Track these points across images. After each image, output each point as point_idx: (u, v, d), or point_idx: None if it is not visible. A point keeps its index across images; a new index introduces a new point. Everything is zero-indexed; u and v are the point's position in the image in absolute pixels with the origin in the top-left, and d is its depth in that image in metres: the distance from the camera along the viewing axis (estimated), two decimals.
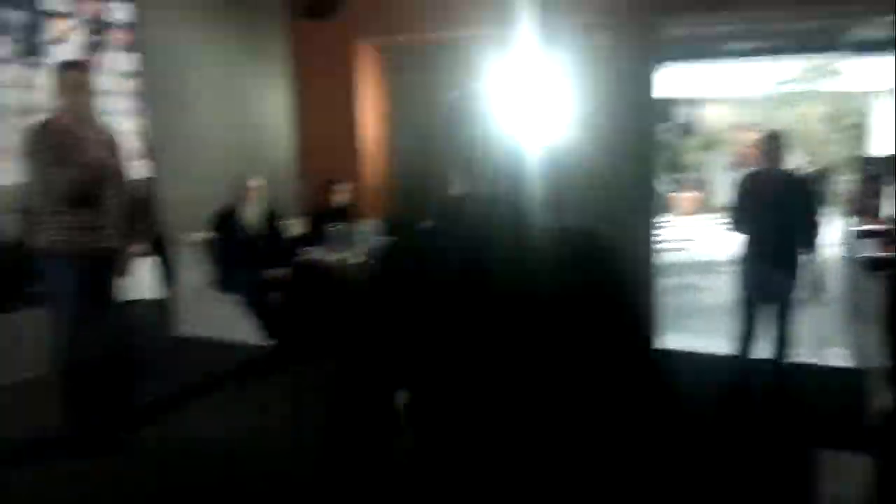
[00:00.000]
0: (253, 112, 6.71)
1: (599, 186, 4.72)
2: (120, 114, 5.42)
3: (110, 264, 3.78)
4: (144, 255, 3.90)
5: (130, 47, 5.51)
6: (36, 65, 4.86)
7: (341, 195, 6.18)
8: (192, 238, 5.75)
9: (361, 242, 5.73)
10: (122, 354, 3.89)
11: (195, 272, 5.70)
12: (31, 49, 4.85)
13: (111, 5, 5.37)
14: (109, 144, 3.71)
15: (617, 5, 5.42)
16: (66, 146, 3.56)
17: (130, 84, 5.51)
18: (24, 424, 3.96)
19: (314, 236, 5.89)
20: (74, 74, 3.66)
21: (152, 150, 5.63)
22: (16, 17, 4.75)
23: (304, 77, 6.95)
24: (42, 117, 3.79)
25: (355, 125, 6.73)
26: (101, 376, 3.78)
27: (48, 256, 3.63)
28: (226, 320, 5.56)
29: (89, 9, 5.23)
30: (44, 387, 3.81)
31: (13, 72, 4.73)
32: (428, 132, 6.39)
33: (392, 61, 6.86)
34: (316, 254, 5.68)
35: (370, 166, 6.85)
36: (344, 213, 6.09)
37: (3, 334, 4.55)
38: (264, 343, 5.40)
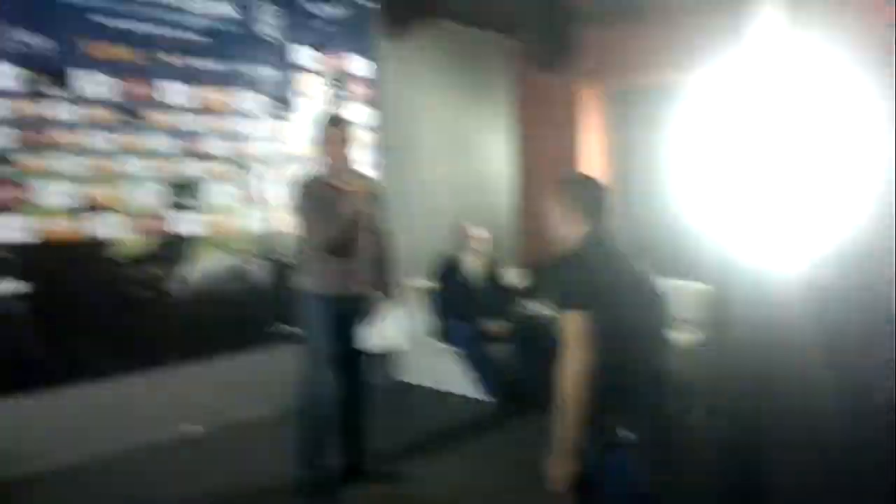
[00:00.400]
0: (478, 162, 6.76)
1: None
2: (360, 165, 5.62)
3: (360, 310, 3.89)
4: (386, 303, 3.98)
5: (370, 101, 5.72)
6: (285, 118, 5.15)
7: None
8: (416, 286, 5.82)
9: None
10: (359, 399, 3.96)
11: (418, 321, 5.76)
12: (281, 103, 5.14)
13: (353, 61, 5.60)
14: (368, 196, 3.79)
15: None
16: (328, 199, 3.72)
17: (369, 137, 5.71)
18: (261, 461, 4.12)
19: (536, 289, 5.76)
20: (337, 129, 3.83)
21: (387, 201, 5.77)
22: (268, 73, 5.06)
23: (527, 126, 6.92)
24: (307, 171, 4.04)
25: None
26: (339, 417, 3.91)
27: (307, 299, 3.82)
28: (446, 371, 5.55)
29: (334, 64, 5.48)
30: (279, 424, 3.95)
31: (264, 125, 5.02)
32: (655, 177, 6.27)
33: (617, 106, 6.67)
34: (537, 307, 5.54)
35: None
36: None
37: (249, 371, 4.79)
38: (484, 396, 5.32)
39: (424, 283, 5.79)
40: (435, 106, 6.34)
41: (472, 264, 5.56)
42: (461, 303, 5.46)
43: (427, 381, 5.72)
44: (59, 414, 4.01)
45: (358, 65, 5.64)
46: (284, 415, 4.15)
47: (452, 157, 6.47)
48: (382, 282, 3.99)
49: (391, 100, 5.87)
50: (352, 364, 3.90)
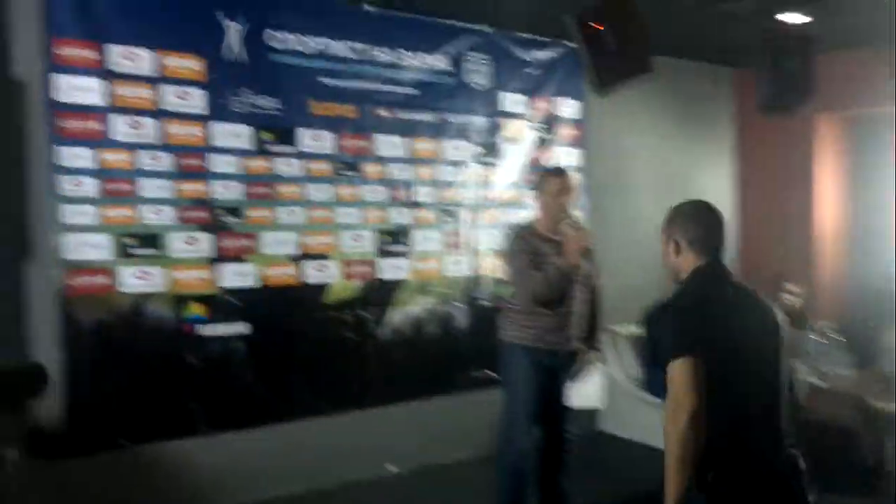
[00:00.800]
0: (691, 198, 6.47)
1: None
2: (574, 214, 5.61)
3: (565, 365, 3.84)
4: (591, 359, 3.90)
5: (577, 143, 5.69)
6: (492, 164, 5.25)
7: (791, 297, 5.56)
8: (624, 333, 5.67)
9: (811, 355, 5.01)
10: (561, 454, 3.91)
11: (622, 368, 5.61)
12: (488, 150, 5.25)
13: (562, 103, 5.60)
14: (583, 249, 3.73)
15: None
16: (542, 250, 3.73)
17: (577, 178, 5.67)
18: None
19: None
20: (557, 180, 3.82)
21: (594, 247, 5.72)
22: (476, 121, 5.20)
23: (750, 160, 6.54)
24: (521, 221, 4.13)
25: (810, 212, 6.10)
26: (540, 472, 3.89)
27: (513, 350, 3.81)
28: (652, 424, 5.33)
29: (541, 108, 5.51)
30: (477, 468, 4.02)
31: (472, 171, 5.15)
32: None
33: (854, 136, 6.12)
34: None
35: (829, 261, 6.13)
36: (791, 317, 5.45)
37: (447, 414, 4.89)
38: None
39: (633, 329, 5.62)
40: (647, 143, 6.19)
41: None
42: None
43: (632, 434, 5.53)
44: (270, 449, 4.30)
45: (566, 106, 5.63)
46: (482, 460, 4.21)
47: (665, 196, 6.22)
48: (590, 337, 3.91)
49: (599, 139, 5.80)
50: (554, 419, 3.86)
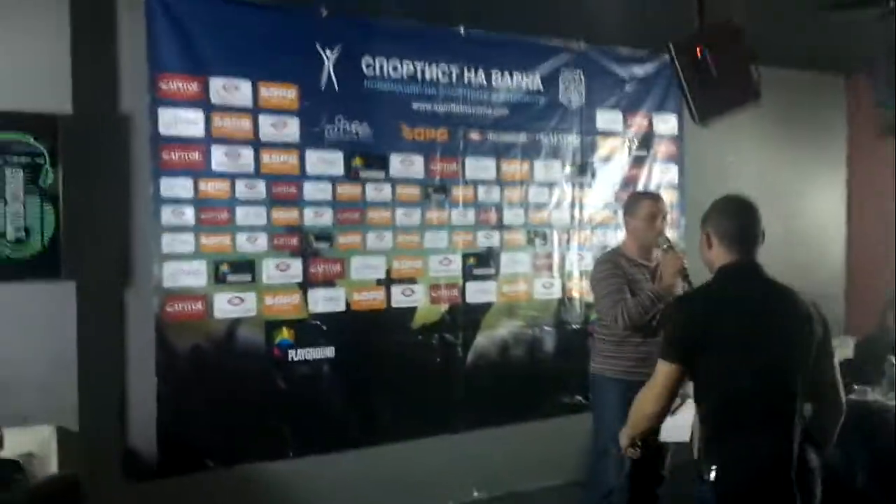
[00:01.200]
0: (798, 219, 6.18)
1: None
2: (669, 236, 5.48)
3: None
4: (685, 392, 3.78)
5: (674, 160, 5.53)
6: (585, 184, 5.18)
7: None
8: None
9: None
10: (653, 490, 3.83)
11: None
12: (581, 169, 5.18)
13: (658, 119, 5.46)
14: (680, 272, 3.60)
15: None
16: (635, 275, 3.67)
17: (673, 196, 5.53)
18: None
19: (868, 370, 5.09)
20: (649, 203, 3.75)
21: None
22: (569, 140, 5.13)
23: (862, 177, 6.19)
24: (613, 246, 4.13)
25: None
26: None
27: (602, 381, 3.76)
28: None
29: (638, 124, 5.39)
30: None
31: (564, 192, 5.09)
32: None
33: None
34: (867, 392, 4.89)
35: None
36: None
37: (535, 439, 4.87)
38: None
39: None
40: (752, 159, 5.94)
41: None
42: None
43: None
44: (356, 472, 4.40)
45: (664, 122, 5.49)
46: (569, 486, 4.18)
47: (769, 216, 5.96)
48: None
49: (699, 156, 5.61)
50: (649, 458, 3.76)
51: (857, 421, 4.70)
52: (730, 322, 2.34)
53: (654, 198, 3.83)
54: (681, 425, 3.64)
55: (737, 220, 2.53)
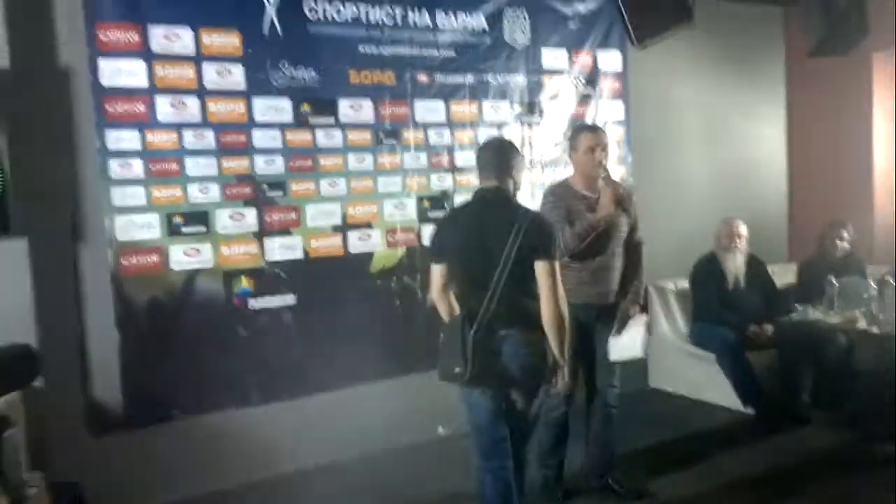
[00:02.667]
0: (741, 150, 6.35)
1: None
2: (610, 163, 5.54)
3: (607, 319, 3.85)
4: (633, 312, 3.92)
5: (619, 96, 5.60)
6: (532, 124, 5.22)
7: (842, 241, 5.42)
8: (672, 287, 5.65)
9: (869, 302, 4.88)
10: (606, 409, 3.96)
11: (671, 323, 5.60)
12: (529, 109, 5.22)
13: (603, 55, 5.51)
14: (622, 201, 3.78)
15: None
16: (577, 207, 3.76)
17: (618, 133, 5.62)
18: None
19: (808, 290, 5.30)
20: (589, 136, 3.83)
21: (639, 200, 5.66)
22: (517, 80, 5.15)
23: (800, 108, 6.36)
24: (556, 179, 4.22)
25: (869, 154, 5.92)
26: (589, 428, 4.01)
27: None
28: (702, 379, 5.35)
29: (582, 62, 5.43)
30: None
31: (513, 132, 5.13)
32: None
33: None
34: (809, 312, 5.10)
35: (887, 204, 5.96)
36: (848, 263, 5.34)
37: None
38: (742, 407, 5.06)
39: (680, 284, 5.59)
40: (694, 93, 6.05)
41: (734, 263, 5.25)
42: (721, 305, 5.20)
43: (681, 389, 5.55)
44: (321, 416, 4.45)
45: (609, 59, 5.54)
46: None
47: (711, 147, 6.15)
48: (630, 290, 3.92)
49: (644, 91, 5.70)
50: (599, 373, 3.90)
51: (801, 340, 4.92)
52: (456, 231, 3.20)
53: (594, 130, 3.92)
54: (632, 341, 3.78)
55: (486, 153, 3.28)
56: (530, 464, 3.41)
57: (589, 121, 5.43)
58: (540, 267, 3.01)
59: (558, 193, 3.84)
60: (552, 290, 3.00)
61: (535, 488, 3.81)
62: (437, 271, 3.24)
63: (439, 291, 3.25)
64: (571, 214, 3.70)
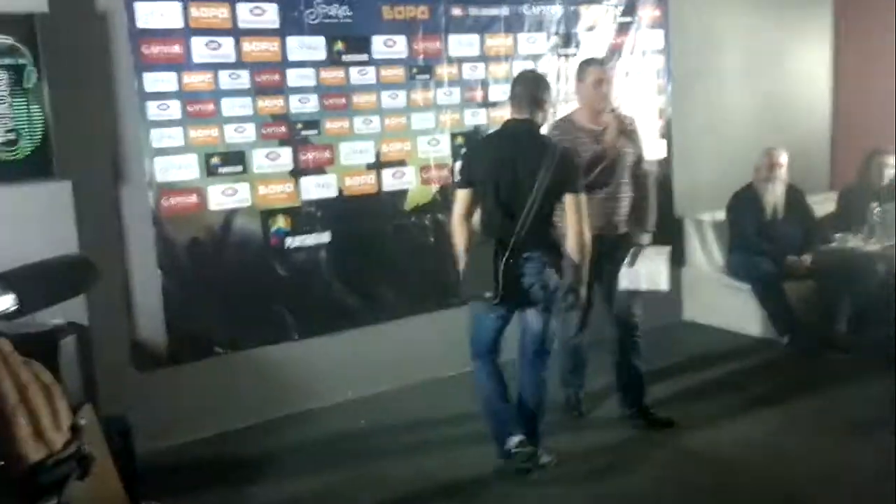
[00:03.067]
0: (785, 80, 6.17)
1: None
2: (648, 93, 5.49)
3: (618, 249, 3.91)
4: (646, 242, 3.98)
5: (659, 24, 5.48)
6: (570, 55, 5.15)
7: (887, 168, 5.30)
8: (709, 219, 5.61)
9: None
10: (629, 338, 4.05)
11: (707, 255, 5.58)
12: (566, 41, 5.15)
13: None
14: (627, 133, 3.85)
15: None
16: (581, 139, 3.82)
17: (660, 62, 5.52)
18: None
19: (847, 218, 5.23)
20: (594, 70, 3.87)
21: (670, 130, 5.60)
22: (552, 10, 5.07)
23: (847, 34, 6.14)
24: (564, 113, 4.25)
25: None
26: (616, 359, 4.11)
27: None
28: (738, 310, 5.35)
29: None
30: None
31: (549, 64, 5.07)
32: None
33: None
34: (850, 240, 5.04)
35: None
36: (890, 192, 5.24)
37: None
38: (778, 337, 5.06)
39: (718, 216, 5.55)
40: (736, 21, 5.88)
41: (772, 192, 5.19)
42: (757, 234, 5.16)
43: (715, 321, 5.56)
44: (358, 351, 4.58)
45: None
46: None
47: (756, 79, 5.99)
48: (641, 220, 4.01)
49: (683, 20, 5.56)
50: (616, 303, 3.98)
51: (838, 268, 4.89)
52: (488, 156, 3.39)
53: (600, 63, 3.99)
54: (656, 273, 3.83)
55: (520, 85, 3.42)
56: (550, 383, 3.63)
57: (628, 51, 5.35)
58: (569, 199, 3.27)
59: (562, 128, 3.90)
60: (579, 221, 3.27)
61: (560, 406, 4.12)
62: (462, 197, 3.44)
63: (461, 217, 3.44)
64: (577, 148, 3.74)
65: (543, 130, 3.61)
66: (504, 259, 3.21)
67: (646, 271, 3.84)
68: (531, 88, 3.37)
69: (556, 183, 3.23)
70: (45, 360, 0.76)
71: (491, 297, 3.23)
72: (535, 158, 3.22)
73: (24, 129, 3.45)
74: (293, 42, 4.29)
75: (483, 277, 3.24)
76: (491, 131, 4.39)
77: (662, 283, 3.83)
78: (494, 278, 3.20)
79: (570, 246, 3.31)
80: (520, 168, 3.25)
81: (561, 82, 5.09)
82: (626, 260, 3.87)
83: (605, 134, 3.83)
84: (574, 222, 3.28)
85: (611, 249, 3.86)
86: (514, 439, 3.44)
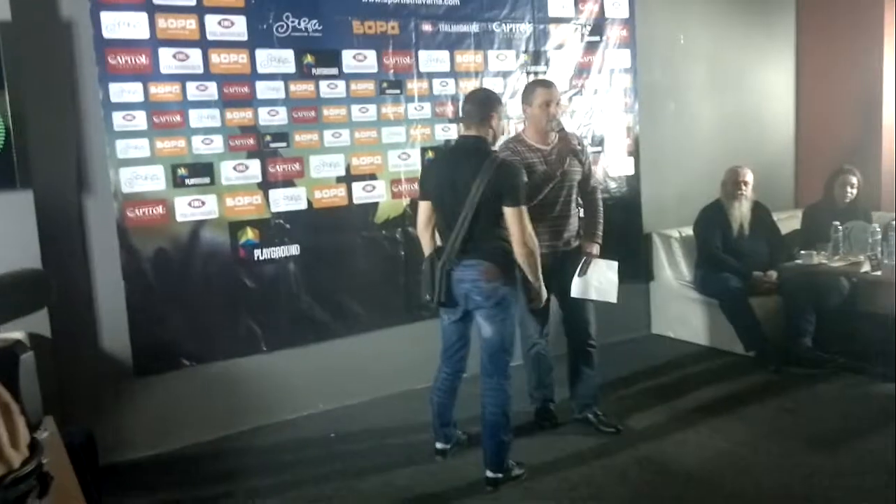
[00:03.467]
0: (748, 97, 6.28)
1: None
2: (616, 110, 5.54)
3: (568, 264, 4.04)
4: (594, 256, 4.07)
5: (626, 44, 5.55)
6: (539, 73, 5.17)
7: (850, 187, 5.39)
8: (676, 234, 5.67)
9: (874, 246, 4.87)
10: (581, 345, 4.16)
11: (674, 270, 5.63)
12: (535, 58, 5.18)
13: (609, 3, 5.44)
14: (574, 152, 3.94)
15: None
16: (530, 159, 3.91)
17: (627, 80, 5.57)
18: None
19: (811, 235, 5.30)
20: (543, 91, 3.95)
21: (638, 147, 5.65)
22: (522, 28, 5.11)
23: (810, 54, 6.27)
24: (512, 133, 4.34)
25: (878, 101, 5.85)
26: (570, 369, 4.24)
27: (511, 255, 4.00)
28: (703, 323, 5.40)
29: (588, 9, 5.37)
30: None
31: (518, 82, 5.10)
32: None
33: None
34: (813, 257, 5.11)
35: (893, 151, 5.92)
36: (854, 209, 5.33)
37: None
38: (744, 351, 5.11)
39: (685, 232, 5.61)
40: (702, 39, 5.97)
41: (739, 210, 5.26)
42: (725, 252, 5.22)
43: (683, 335, 5.60)
44: (326, 364, 4.54)
45: (615, 6, 5.47)
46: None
47: (719, 95, 6.09)
48: (591, 233, 4.13)
49: (650, 39, 5.65)
50: (571, 313, 4.11)
51: (804, 285, 4.95)
52: (438, 173, 3.56)
53: (548, 85, 4.04)
54: (601, 287, 3.99)
55: (469, 104, 3.57)
56: (512, 395, 3.63)
57: (596, 70, 5.40)
58: (507, 212, 3.38)
59: (513, 148, 3.97)
60: (520, 232, 3.37)
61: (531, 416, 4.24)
62: (421, 208, 3.70)
63: (422, 227, 3.71)
64: (527, 167, 3.80)
65: (496, 146, 3.71)
66: (441, 265, 3.46)
67: (596, 283, 4.03)
68: (479, 106, 3.51)
69: (495, 195, 3.35)
70: (3, 376, 0.73)
71: (429, 299, 3.54)
72: (474, 171, 3.37)
73: None
74: (262, 55, 4.27)
75: (427, 282, 3.55)
76: (446, 147, 4.60)
77: (612, 295, 4.02)
78: (431, 283, 3.50)
79: (516, 255, 3.43)
80: (459, 180, 3.41)
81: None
82: (578, 270, 4.03)
83: (552, 154, 3.94)
84: (515, 233, 3.38)
85: (562, 263, 4.02)
86: (437, 445, 3.86)
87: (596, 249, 4.12)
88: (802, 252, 4.99)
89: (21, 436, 0.70)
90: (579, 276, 4.02)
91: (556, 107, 3.93)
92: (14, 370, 0.75)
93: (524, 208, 3.39)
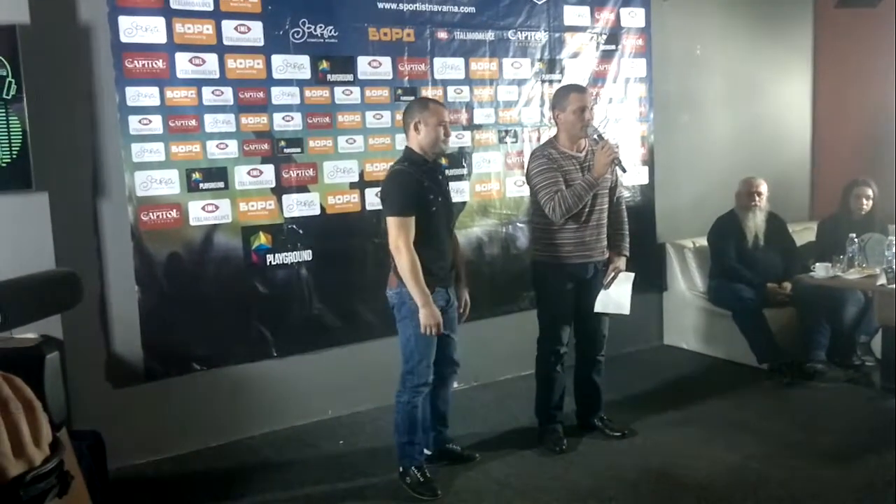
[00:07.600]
0: (764, 107, 6.24)
1: None
2: (631, 120, 5.53)
3: (597, 276, 3.99)
4: (622, 268, 4.03)
5: (642, 53, 5.53)
6: (553, 82, 5.16)
7: (866, 199, 5.35)
8: (690, 245, 5.64)
9: (890, 259, 4.83)
10: (593, 355, 4.14)
11: (688, 281, 5.60)
12: (550, 66, 5.18)
13: (625, 12, 5.43)
14: (619, 162, 3.81)
15: None
16: (566, 167, 3.83)
17: (642, 89, 5.56)
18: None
19: (826, 247, 5.27)
20: (577, 97, 3.85)
21: (653, 157, 5.63)
22: (537, 37, 5.10)
23: (826, 66, 6.23)
24: (546, 139, 4.23)
25: (894, 113, 5.81)
26: (580, 380, 4.22)
27: (544, 267, 3.98)
28: (716, 334, 5.37)
29: (604, 19, 5.36)
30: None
31: (532, 90, 5.10)
32: None
33: None
34: (828, 269, 5.07)
35: None
36: (869, 222, 5.29)
37: (511, 332, 4.98)
38: (759, 363, 5.07)
39: (699, 242, 5.58)
40: (719, 49, 5.95)
41: (754, 221, 5.23)
42: (739, 263, 5.19)
43: (695, 346, 5.57)
44: (338, 369, 4.54)
45: (631, 15, 5.46)
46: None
47: (735, 105, 6.06)
48: (619, 245, 4.05)
49: (666, 48, 5.63)
50: (590, 328, 4.06)
51: (819, 297, 4.91)
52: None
53: (581, 90, 3.94)
54: (616, 300, 3.96)
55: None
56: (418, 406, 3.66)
57: (611, 79, 5.39)
58: (388, 223, 3.45)
59: (549, 155, 3.86)
60: (395, 244, 3.38)
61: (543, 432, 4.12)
62: None
63: None
64: (564, 175, 3.76)
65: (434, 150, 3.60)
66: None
67: (615, 296, 3.93)
68: (403, 117, 3.63)
69: (382, 205, 3.59)
70: (27, 376, 0.73)
71: None
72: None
73: (1, 139, 3.40)
74: (278, 60, 4.28)
75: None
76: None
77: (625, 307, 3.96)
78: None
79: (399, 269, 3.44)
80: None
81: (545, 108, 5.11)
82: (605, 282, 3.97)
83: (586, 161, 3.85)
84: (393, 246, 3.41)
85: (595, 275, 3.97)
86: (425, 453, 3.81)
87: (623, 263, 4.03)
88: (817, 264, 4.95)
89: (44, 434, 0.70)
90: (605, 289, 3.96)
91: (590, 112, 3.84)
92: (39, 369, 0.75)
93: (399, 219, 3.37)
